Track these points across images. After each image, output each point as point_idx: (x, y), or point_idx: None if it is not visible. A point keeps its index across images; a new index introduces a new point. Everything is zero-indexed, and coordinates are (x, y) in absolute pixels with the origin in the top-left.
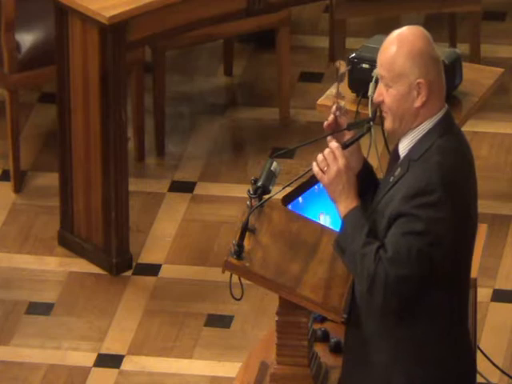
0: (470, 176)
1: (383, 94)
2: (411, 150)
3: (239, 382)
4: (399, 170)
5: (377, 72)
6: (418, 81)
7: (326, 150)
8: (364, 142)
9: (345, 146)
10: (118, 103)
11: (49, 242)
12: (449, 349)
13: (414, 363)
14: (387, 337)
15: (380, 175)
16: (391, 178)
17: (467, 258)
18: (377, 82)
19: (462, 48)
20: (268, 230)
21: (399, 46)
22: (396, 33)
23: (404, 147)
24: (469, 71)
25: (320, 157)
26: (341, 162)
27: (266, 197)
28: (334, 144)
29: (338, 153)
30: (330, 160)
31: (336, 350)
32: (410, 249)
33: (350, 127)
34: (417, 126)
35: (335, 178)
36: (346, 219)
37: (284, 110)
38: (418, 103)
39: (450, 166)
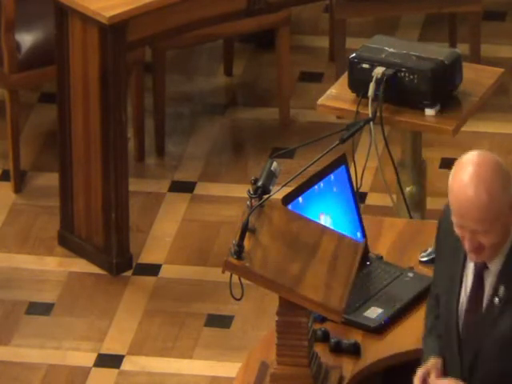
0: None
1: (480, 241)
2: (507, 263)
3: (239, 382)
4: (503, 289)
5: (457, 220)
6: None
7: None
8: (364, 141)
9: (342, 141)
10: (118, 103)
11: (49, 242)
12: None
13: None
14: None
15: (380, 175)
16: (495, 300)
17: None
18: (377, 82)
19: (462, 48)
20: (268, 230)
21: (486, 193)
22: (471, 176)
23: (495, 262)
24: (469, 71)
25: None
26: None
27: (266, 197)
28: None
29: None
30: None
31: (336, 350)
32: None
33: (349, 127)
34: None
35: None
36: None
37: (284, 110)
38: None
39: None
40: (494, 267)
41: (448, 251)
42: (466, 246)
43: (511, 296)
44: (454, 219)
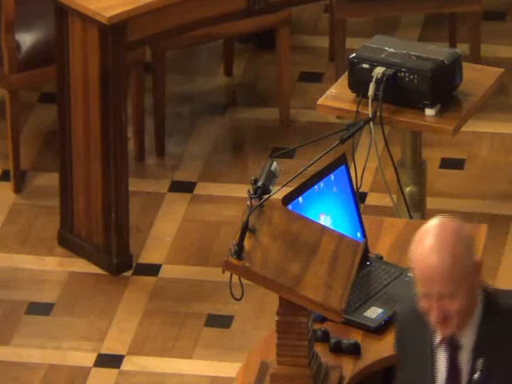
0: None
1: (448, 308)
2: (480, 337)
3: (239, 382)
4: (482, 361)
5: (423, 289)
6: (478, 264)
7: None
8: (364, 141)
9: (342, 141)
10: (118, 103)
11: (49, 242)
12: None
13: None
14: None
15: (380, 175)
16: (475, 376)
17: None
18: (377, 82)
19: (462, 48)
20: (268, 230)
21: (449, 256)
22: (433, 241)
23: (466, 337)
24: (469, 71)
25: None
26: None
27: (266, 197)
28: None
29: None
30: None
31: (336, 350)
32: None
33: (349, 127)
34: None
35: None
36: None
37: (284, 110)
38: (479, 283)
39: None
40: (466, 343)
41: (412, 344)
42: (433, 316)
43: (491, 366)
44: (419, 290)
